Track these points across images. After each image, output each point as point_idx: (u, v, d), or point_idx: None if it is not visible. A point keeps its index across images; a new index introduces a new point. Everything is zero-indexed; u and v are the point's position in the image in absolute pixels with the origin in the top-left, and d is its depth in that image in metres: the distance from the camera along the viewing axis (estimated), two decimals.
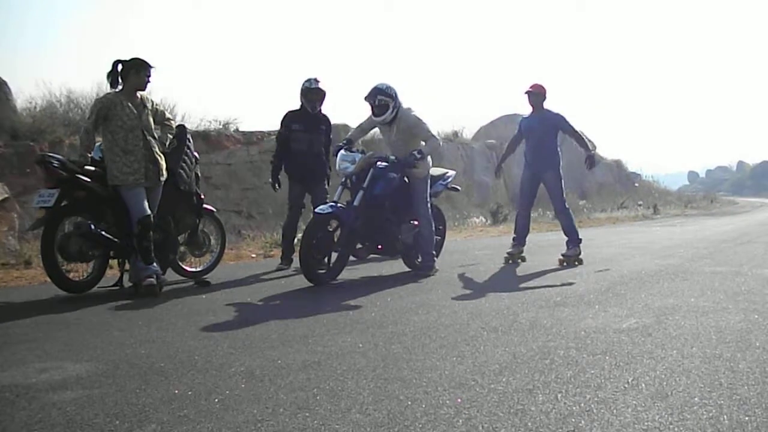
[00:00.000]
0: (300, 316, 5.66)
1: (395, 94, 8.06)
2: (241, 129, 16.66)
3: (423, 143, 8.04)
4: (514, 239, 9.64)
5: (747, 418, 3.06)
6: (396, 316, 5.63)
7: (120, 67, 6.95)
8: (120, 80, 6.98)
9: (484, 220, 20.60)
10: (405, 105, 8.20)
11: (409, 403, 3.33)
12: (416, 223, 8.31)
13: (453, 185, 9.50)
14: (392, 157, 8.00)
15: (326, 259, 7.69)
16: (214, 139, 15.70)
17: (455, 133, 25.99)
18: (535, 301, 6.21)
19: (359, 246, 8.16)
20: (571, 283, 7.29)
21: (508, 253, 9.57)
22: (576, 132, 9.47)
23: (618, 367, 3.96)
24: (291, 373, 3.89)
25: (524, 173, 9.82)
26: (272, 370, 3.97)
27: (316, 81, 8.96)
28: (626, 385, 3.58)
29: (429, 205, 8.38)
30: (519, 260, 9.47)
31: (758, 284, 7.10)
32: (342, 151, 8.13)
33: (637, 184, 41.12)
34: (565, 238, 9.47)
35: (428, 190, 8.37)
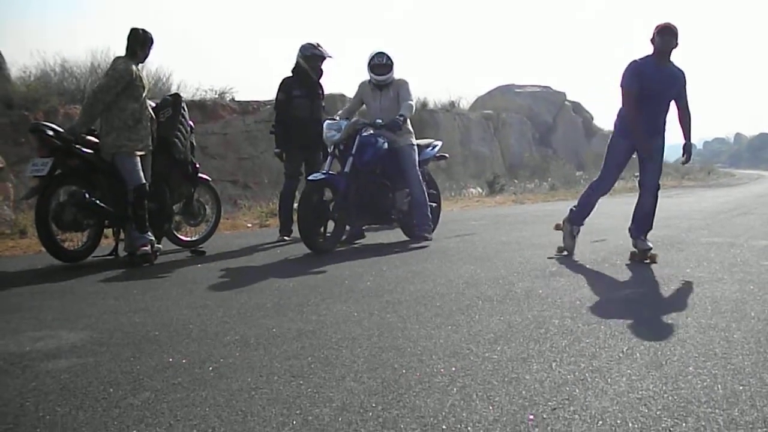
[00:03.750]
0: (295, 285, 5.66)
1: (394, 61, 8.38)
2: (237, 98, 16.58)
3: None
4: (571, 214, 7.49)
5: (741, 388, 3.06)
6: (392, 285, 5.63)
7: (138, 36, 7.07)
8: (132, 48, 7.09)
9: (480, 190, 20.57)
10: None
11: (404, 371, 3.33)
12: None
13: (441, 153, 9.44)
14: (378, 121, 8.00)
15: (323, 229, 7.70)
16: (210, 109, 15.59)
17: (452, 104, 25.86)
18: (531, 271, 6.21)
19: (356, 217, 8.17)
20: (567, 254, 7.28)
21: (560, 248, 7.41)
22: (688, 106, 7.10)
23: (613, 336, 3.96)
24: (285, 342, 3.89)
25: (620, 141, 7.21)
26: (267, 339, 3.96)
27: (320, 46, 8.84)
28: (621, 354, 3.59)
29: (419, 171, 8.36)
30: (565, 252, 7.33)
31: (754, 255, 7.11)
32: (328, 121, 8.16)
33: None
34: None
35: (416, 157, 8.37)
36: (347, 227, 8.16)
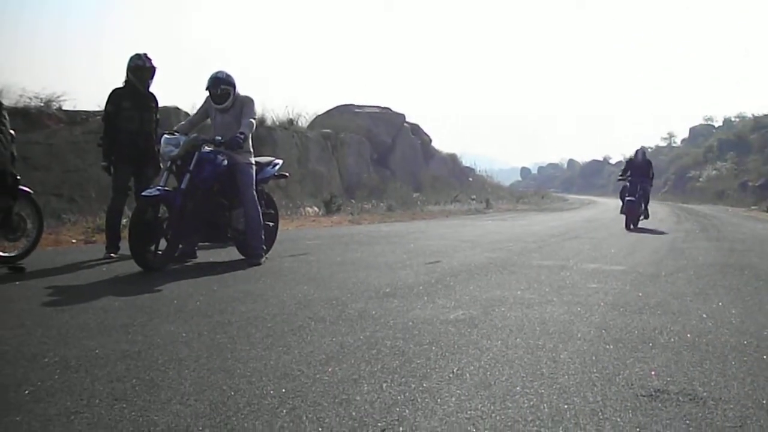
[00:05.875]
0: (121, 304, 5.43)
1: (234, 82, 8.19)
2: (64, 108, 15.91)
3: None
4: None
5: (566, 406, 3.15)
6: (222, 305, 5.49)
7: None
8: None
9: (317, 210, 20.59)
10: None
11: (232, 393, 3.24)
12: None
13: (281, 172, 9.37)
14: (218, 138, 7.85)
15: (154, 246, 7.44)
16: (35, 117, 14.90)
17: (290, 121, 25.84)
18: (365, 292, 6.22)
19: (190, 235, 7.95)
20: (401, 275, 7.34)
21: None
22: None
23: (444, 357, 4.00)
24: (109, 364, 3.71)
25: None
26: (89, 360, 3.77)
27: (148, 58, 8.63)
28: (451, 375, 3.62)
29: (256, 190, 8.26)
30: None
31: (582, 278, 7.40)
32: (165, 135, 7.93)
33: (470, 179, 42.59)
34: None
35: (254, 176, 8.25)
36: (180, 245, 7.92)
